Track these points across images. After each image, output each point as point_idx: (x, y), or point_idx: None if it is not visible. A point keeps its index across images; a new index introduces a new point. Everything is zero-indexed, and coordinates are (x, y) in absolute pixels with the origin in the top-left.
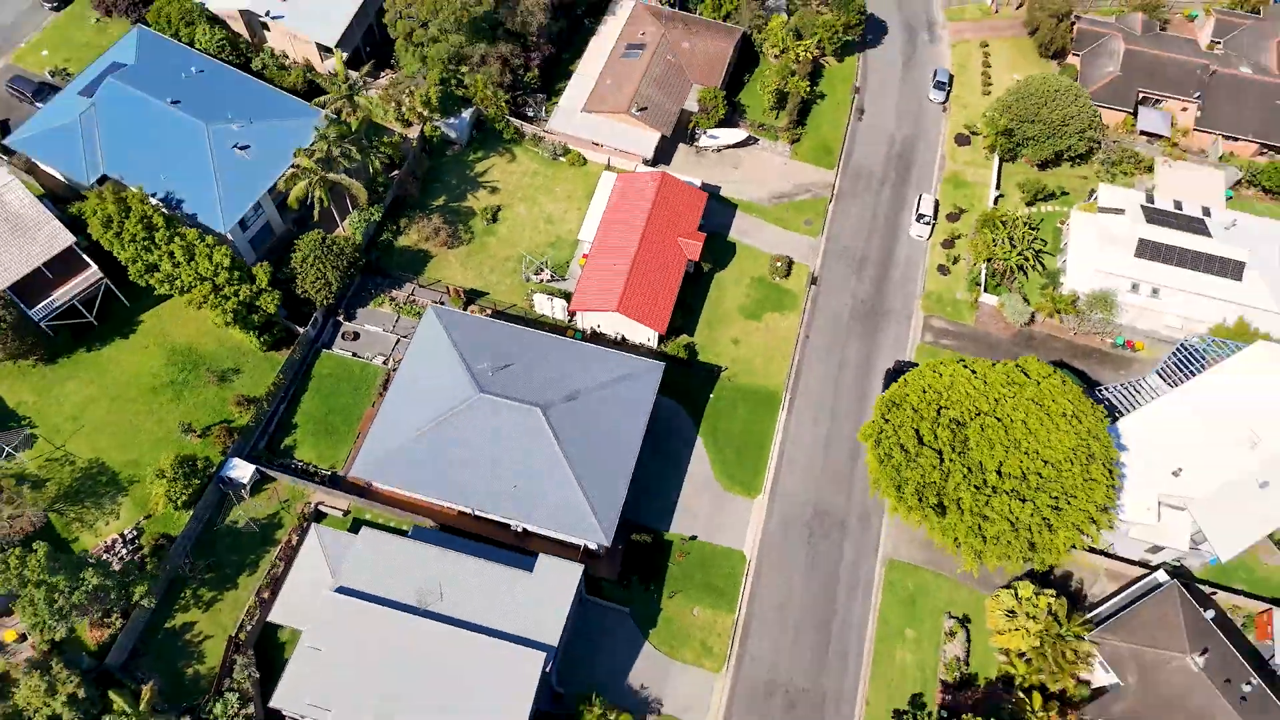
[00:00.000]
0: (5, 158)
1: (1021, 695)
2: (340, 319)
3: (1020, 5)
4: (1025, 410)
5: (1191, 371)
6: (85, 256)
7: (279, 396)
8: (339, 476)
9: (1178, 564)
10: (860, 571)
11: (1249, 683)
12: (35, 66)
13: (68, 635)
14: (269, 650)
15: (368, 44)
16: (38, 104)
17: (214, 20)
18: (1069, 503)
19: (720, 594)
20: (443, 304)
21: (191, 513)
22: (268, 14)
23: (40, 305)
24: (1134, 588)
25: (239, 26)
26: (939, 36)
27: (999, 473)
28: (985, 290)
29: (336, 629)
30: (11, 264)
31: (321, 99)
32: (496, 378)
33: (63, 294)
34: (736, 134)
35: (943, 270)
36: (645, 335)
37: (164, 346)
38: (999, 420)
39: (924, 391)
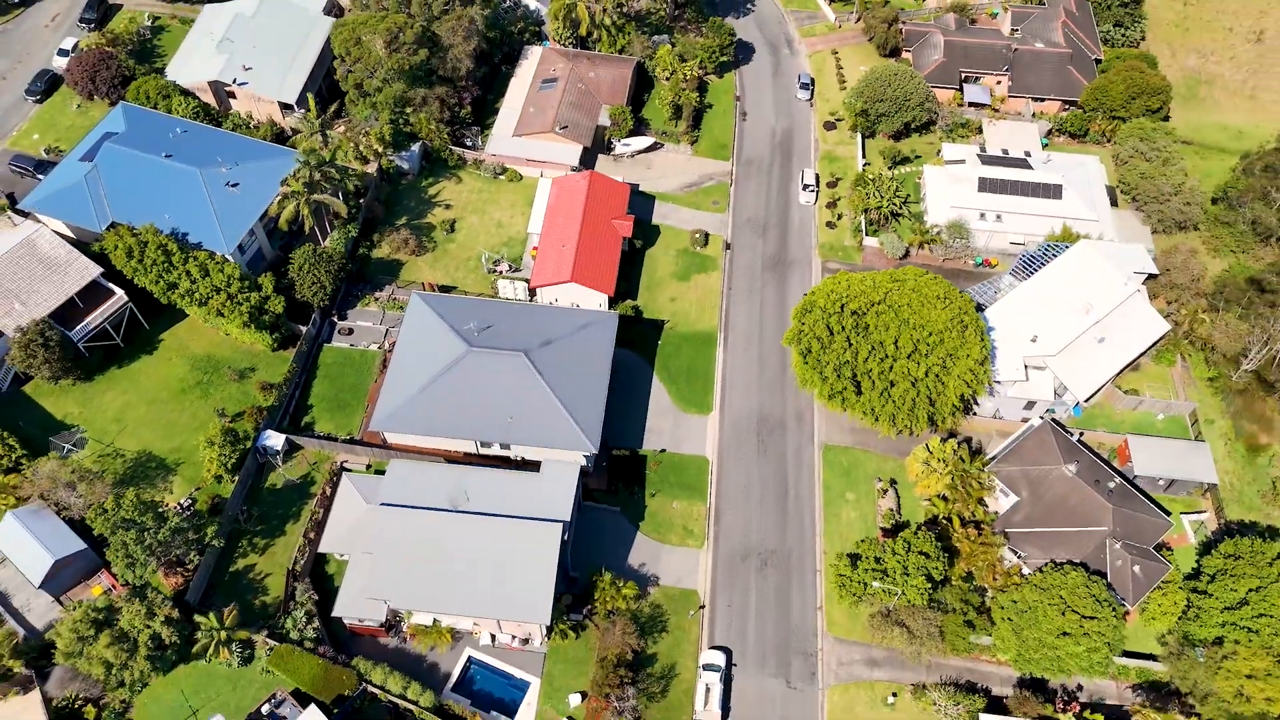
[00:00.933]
0: (23, 218)
1: (945, 522)
2: (334, 319)
3: (859, 19)
4: (908, 298)
5: (1034, 269)
6: (110, 284)
7: (294, 382)
8: (358, 440)
9: (1051, 418)
10: (803, 457)
11: (1113, 481)
12: (30, 148)
13: (147, 584)
14: (320, 580)
15: (318, 99)
16: (39, 176)
17: (185, 93)
18: (953, 361)
19: (693, 489)
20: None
21: (237, 478)
22: (234, 81)
23: (78, 328)
24: (1017, 434)
25: (208, 97)
26: (797, 50)
27: (895, 344)
28: (866, 235)
29: (383, 535)
30: (50, 295)
31: (294, 139)
32: (482, 335)
33: (96, 317)
34: (645, 141)
35: (830, 225)
36: (597, 302)
37: (185, 357)
38: (889, 307)
39: (828, 295)
